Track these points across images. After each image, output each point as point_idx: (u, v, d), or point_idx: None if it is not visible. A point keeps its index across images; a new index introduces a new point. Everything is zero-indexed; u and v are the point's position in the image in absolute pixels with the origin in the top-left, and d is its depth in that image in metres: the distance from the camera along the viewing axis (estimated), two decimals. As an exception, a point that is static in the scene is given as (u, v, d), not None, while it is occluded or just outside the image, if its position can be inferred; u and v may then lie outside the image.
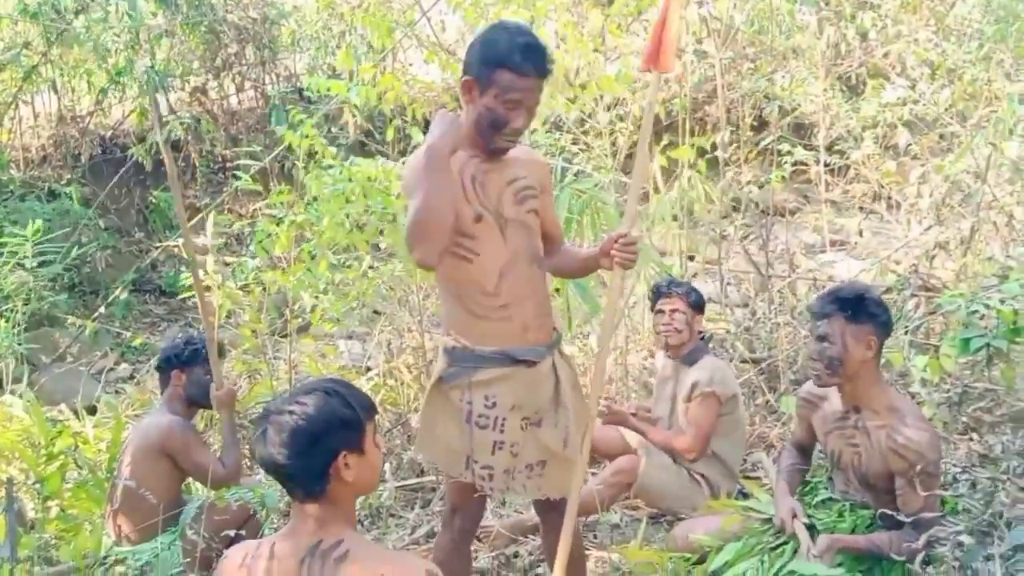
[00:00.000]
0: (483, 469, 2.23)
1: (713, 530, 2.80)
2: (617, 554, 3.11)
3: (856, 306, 2.44)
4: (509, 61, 2.08)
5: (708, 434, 3.28)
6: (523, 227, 2.24)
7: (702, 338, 3.49)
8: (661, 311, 3.40)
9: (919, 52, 6.66)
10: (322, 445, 1.59)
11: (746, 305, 5.43)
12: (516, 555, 3.17)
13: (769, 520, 2.68)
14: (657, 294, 3.45)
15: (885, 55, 7.28)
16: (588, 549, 3.20)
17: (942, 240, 4.78)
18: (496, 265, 2.19)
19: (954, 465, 2.62)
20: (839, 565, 2.42)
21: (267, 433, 1.59)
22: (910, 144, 6.51)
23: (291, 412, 1.59)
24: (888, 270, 4.95)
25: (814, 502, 2.68)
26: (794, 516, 2.55)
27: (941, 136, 6.70)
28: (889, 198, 7.05)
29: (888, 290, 4.24)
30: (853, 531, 2.51)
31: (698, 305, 3.42)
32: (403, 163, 3.79)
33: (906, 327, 3.59)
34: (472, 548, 2.66)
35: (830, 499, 2.65)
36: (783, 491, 2.68)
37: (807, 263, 6.11)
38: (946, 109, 6.04)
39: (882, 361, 3.16)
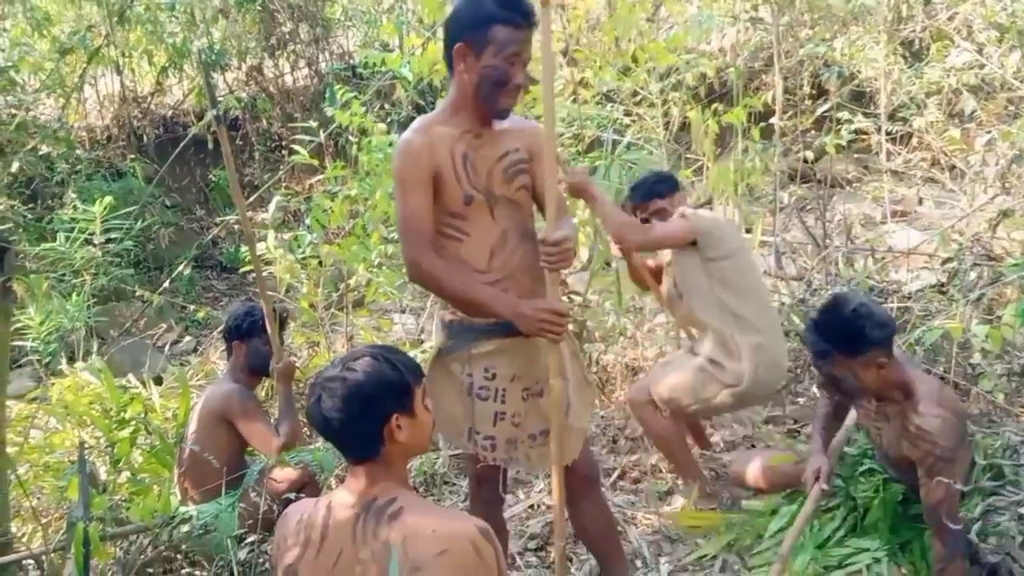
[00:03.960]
0: (485, 440, 2.26)
1: (767, 461, 2.78)
2: (668, 519, 3.14)
3: (851, 341, 2.28)
4: (501, 16, 2.07)
5: (661, 236, 3.07)
6: (512, 204, 2.23)
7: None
8: (646, 220, 3.21)
9: (987, 14, 6.41)
10: (374, 408, 1.64)
11: (801, 277, 5.35)
12: (567, 520, 3.21)
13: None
14: (632, 203, 3.26)
15: (950, 18, 7.02)
16: (632, 515, 3.23)
17: (1007, 208, 4.62)
18: (486, 244, 2.19)
19: (1016, 434, 2.57)
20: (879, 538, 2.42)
21: (321, 399, 1.65)
22: (975, 110, 6.28)
23: (343, 378, 1.64)
24: (950, 240, 4.81)
25: (857, 472, 2.66)
26: (816, 479, 2.54)
27: (1009, 101, 6.46)
28: (953, 167, 6.83)
29: (949, 259, 4.13)
30: (885, 508, 2.50)
31: (671, 189, 3.22)
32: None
33: (967, 297, 3.50)
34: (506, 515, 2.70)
35: (872, 469, 2.63)
36: (817, 446, 2.66)
37: (866, 234, 5.98)
38: (1014, 73, 5.81)
39: (940, 333, 3.13)
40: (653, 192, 3.22)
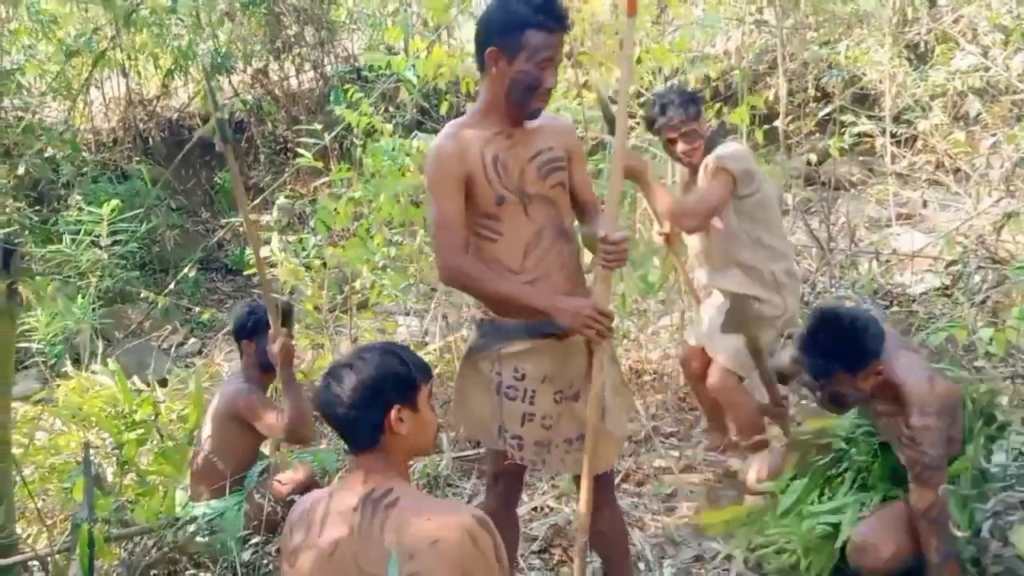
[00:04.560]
0: (513, 439, 2.25)
1: (776, 466, 2.79)
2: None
3: (857, 357, 2.22)
4: (535, 21, 2.07)
5: (714, 205, 3.09)
6: (547, 202, 2.21)
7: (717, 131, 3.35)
8: (672, 140, 3.19)
9: (992, 16, 6.40)
10: (378, 397, 1.69)
11: (806, 280, 5.34)
12: (569, 522, 3.22)
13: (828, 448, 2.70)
14: (659, 124, 3.21)
15: (955, 21, 7.01)
16: (637, 518, 3.23)
17: (1012, 211, 4.62)
18: (520, 243, 2.18)
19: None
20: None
21: (329, 385, 1.71)
22: (980, 113, 6.28)
23: (351, 366, 1.70)
24: (955, 243, 4.81)
25: (858, 432, 2.67)
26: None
27: (1014, 104, 6.45)
28: (957, 170, 6.82)
29: (953, 262, 4.14)
30: (881, 475, 2.51)
31: (699, 111, 3.21)
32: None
33: (972, 300, 3.50)
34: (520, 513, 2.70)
35: (870, 431, 2.63)
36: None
37: (871, 237, 5.96)
38: (1019, 76, 5.80)
39: (945, 336, 3.13)
40: (689, 114, 3.17)
